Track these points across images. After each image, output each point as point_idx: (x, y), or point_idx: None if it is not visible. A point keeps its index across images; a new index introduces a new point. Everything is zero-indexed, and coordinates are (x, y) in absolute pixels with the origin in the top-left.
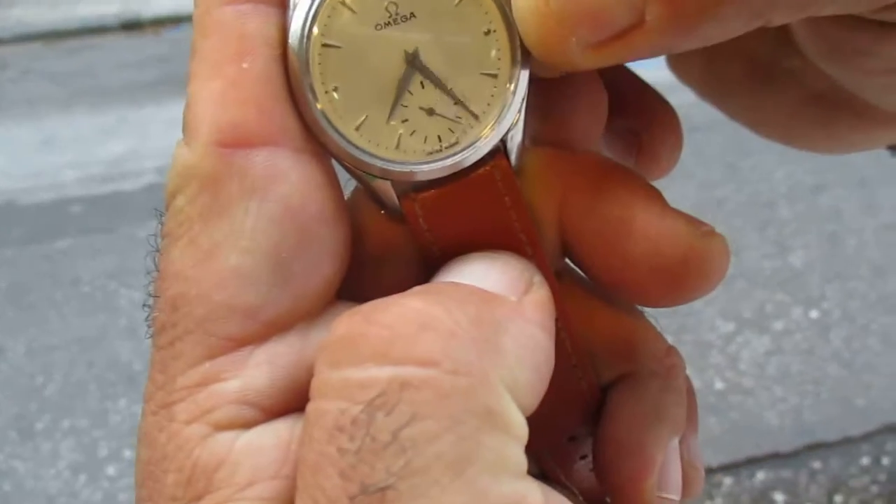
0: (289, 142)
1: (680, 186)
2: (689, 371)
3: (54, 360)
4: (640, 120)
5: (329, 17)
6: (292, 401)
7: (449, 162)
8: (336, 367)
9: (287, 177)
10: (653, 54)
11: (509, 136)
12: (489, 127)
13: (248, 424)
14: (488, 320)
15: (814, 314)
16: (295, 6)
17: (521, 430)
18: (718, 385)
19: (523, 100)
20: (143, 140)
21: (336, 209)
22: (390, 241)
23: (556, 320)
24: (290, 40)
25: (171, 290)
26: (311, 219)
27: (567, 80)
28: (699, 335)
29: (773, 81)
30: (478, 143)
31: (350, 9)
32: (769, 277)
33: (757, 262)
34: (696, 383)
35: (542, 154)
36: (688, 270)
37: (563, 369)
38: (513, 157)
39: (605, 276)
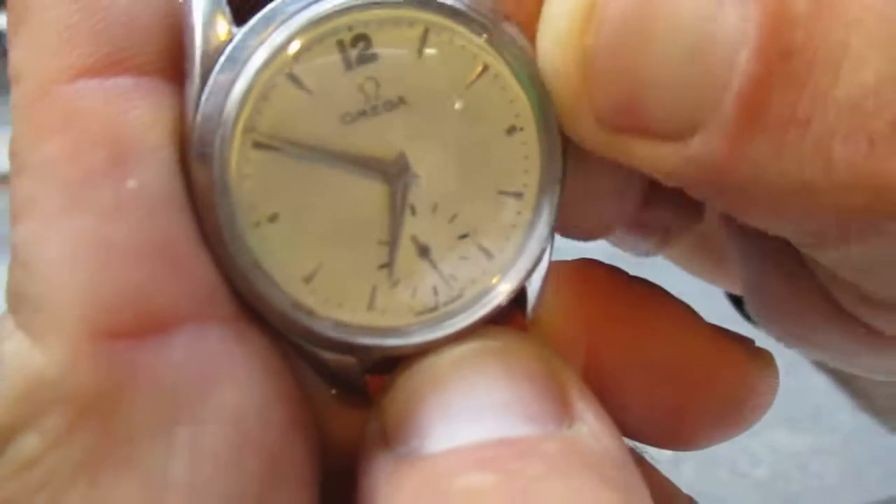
0: (218, 308)
1: None
2: None
3: None
4: (667, 211)
5: (266, 99)
6: None
7: (447, 324)
8: None
9: (230, 371)
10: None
11: (532, 278)
12: (506, 271)
13: None
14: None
15: None
16: (205, 78)
17: None
18: None
19: (552, 226)
20: None
21: (305, 408)
22: (350, 431)
23: None
24: (195, 138)
25: None
26: (276, 435)
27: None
28: None
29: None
30: (489, 296)
31: (303, 87)
32: None
33: None
34: None
35: (560, 297)
36: (746, 400)
37: None
38: (529, 307)
39: (641, 418)
